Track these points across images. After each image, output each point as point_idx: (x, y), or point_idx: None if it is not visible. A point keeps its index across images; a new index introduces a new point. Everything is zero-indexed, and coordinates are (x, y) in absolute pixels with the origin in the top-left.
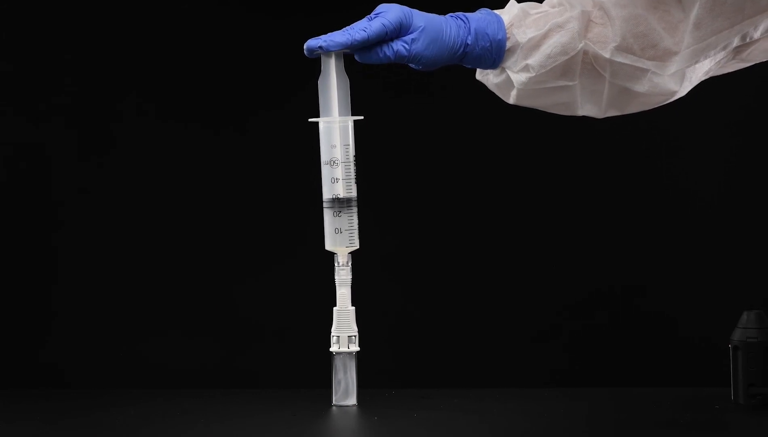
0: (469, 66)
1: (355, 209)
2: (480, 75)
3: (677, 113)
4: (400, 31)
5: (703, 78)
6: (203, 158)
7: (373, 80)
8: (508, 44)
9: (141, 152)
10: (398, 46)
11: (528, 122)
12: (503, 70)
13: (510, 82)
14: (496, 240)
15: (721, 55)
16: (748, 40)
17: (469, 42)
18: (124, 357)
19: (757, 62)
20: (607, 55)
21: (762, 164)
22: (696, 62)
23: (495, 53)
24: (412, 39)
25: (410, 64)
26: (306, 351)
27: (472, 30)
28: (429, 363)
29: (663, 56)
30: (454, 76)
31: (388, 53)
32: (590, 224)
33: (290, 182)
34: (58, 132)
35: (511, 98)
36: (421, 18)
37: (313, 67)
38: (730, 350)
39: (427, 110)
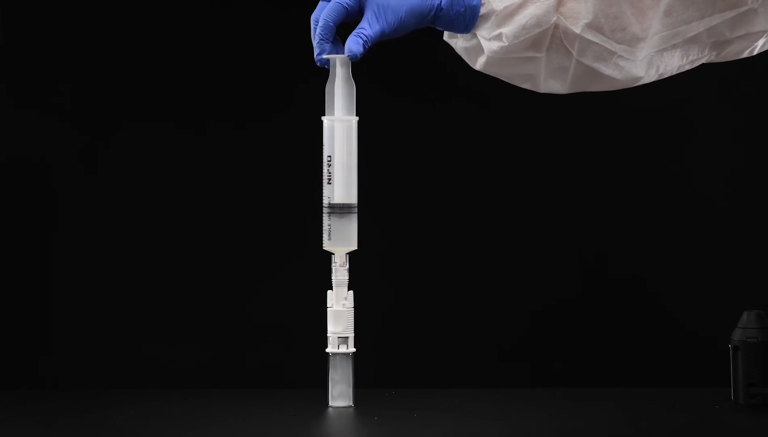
0: (441, 29)
1: (354, 210)
2: (448, 37)
3: (675, 116)
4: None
5: (675, 72)
6: (202, 159)
7: (374, 83)
8: (483, 10)
9: (142, 153)
10: (360, 32)
11: (524, 122)
12: (474, 35)
13: (479, 47)
14: (494, 239)
15: (695, 53)
16: (722, 39)
17: (443, 6)
18: (124, 357)
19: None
20: (577, 30)
21: (763, 164)
22: (663, 49)
23: (468, 19)
24: (375, 13)
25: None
26: (306, 350)
27: None
28: (429, 363)
29: (630, 41)
30: (450, 78)
31: (359, 45)
32: (589, 224)
33: (289, 183)
34: (58, 134)
35: (478, 64)
36: None
37: (313, 67)
38: (730, 350)
39: (426, 112)
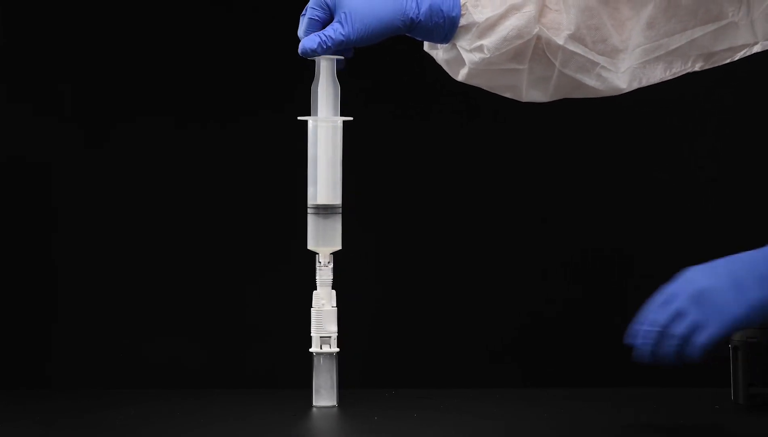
0: (418, 39)
1: (338, 211)
2: (428, 48)
3: (669, 118)
4: (327, 8)
5: (656, 82)
6: (198, 160)
7: (360, 82)
8: (463, 21)
9: (141, 151)
10: (322, 32)
11: (512, 124)
12: (454, 46)
13: (460, 59)
14: (489, 237)
15: (678, 66)
16: (705, 52)
17: (421, 18)
18: (124, 357)
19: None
20: (560, 41)
21: (764, 164)
22: (646, 61)
23: (447, 30)
24: (342, 20)
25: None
26: (307, 350)
27: (426, 5)
28: (419, 364)
29: (611, 53)
30: (439, 79)
31: (313, 43)
32: (587, 224)
33: (278, 183)
34: (57, 134)
35: (460, 76)
36: None
37: (303, 67)
38: (730, 350)
39: (415, 112)
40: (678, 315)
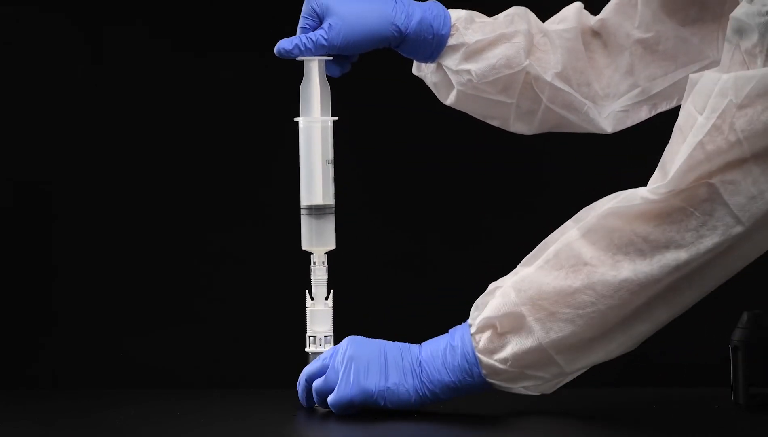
0: (405, 55)
1: (331, 211)
2: (416, 71)
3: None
4: (317, 16)
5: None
6: (195, 159)
7: (356, 81)
8: (452, 41)
9: (139, 151)
10: (305, 35)
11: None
12: (440, 67)
13: (449, 82)
14: (488, 237)
15: (663, 106)
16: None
17: (410, 32)
18: (125, 357)
19: None
20: (548, 78)
21: None
22: (629, 105)
23: (434, 47)
24: (327, 26)
25: (331, 52)
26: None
27: (417, 19)
28: None
29: (594, 97)
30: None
31: (290, 44)
32: None
33: (272, 181)
34: (54, 135)
35: (449, 99)
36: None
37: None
38: (730, 350)
39: (406, 110)
40: (322, 372)
